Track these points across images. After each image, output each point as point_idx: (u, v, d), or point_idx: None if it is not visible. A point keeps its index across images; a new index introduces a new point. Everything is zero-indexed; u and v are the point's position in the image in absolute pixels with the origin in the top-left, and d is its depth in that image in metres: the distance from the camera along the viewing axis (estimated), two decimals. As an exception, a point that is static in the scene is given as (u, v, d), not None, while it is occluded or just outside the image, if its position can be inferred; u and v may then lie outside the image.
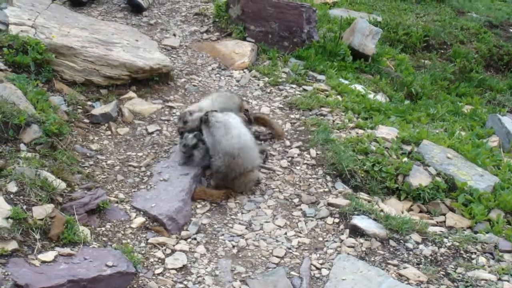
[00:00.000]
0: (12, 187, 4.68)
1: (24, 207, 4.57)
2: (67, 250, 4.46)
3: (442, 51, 11.33)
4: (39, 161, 5.13)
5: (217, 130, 5.72)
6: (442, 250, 5.10)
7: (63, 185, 5.05)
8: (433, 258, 5.00)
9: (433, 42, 11.44)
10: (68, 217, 4.72)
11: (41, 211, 4.59)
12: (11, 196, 4.62)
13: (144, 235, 5.08)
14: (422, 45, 11.27)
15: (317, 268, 4.86)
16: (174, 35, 8.72)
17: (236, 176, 5.65)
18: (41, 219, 4.54)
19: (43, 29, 6.99)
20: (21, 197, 4.66)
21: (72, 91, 6.57)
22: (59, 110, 6.07)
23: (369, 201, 5.67)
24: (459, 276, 4.79)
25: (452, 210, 5.81)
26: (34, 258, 4.28)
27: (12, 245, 4.25)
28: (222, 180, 5.69)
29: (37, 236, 4.45)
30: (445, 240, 5.22)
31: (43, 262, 4.26)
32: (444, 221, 5.66)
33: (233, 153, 5.60)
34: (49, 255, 4.33)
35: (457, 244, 5.17)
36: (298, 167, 6.09)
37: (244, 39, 8.56)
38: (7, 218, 4.37)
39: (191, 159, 5.86)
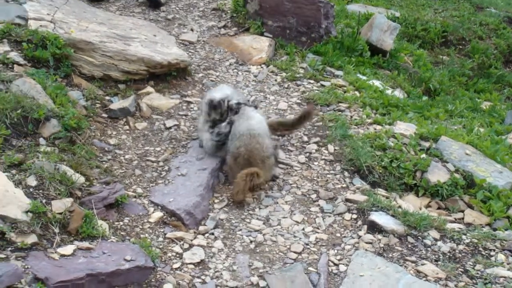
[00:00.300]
0: (32, 181, 4.71)
1: (44, 201, 4.60)
2: (85, 244, 4.49)
3: (461, 46, 11.25)
4: (58, 155, 5.17)
5: (239, 117, 5.82)
6: (461, 247, 5.08)
7: (81, 179, 5.08)
8: (451, 255, 4.98)
9: (451, 37, 11.36)
10: (87, 211, 4.74)
11: (60, 205, 4.62)
12: (31, 190, 4.66)
13: (162, 230, 5.10)
14: (440, 40, 11.20)
15: (335, 264, 4.86)
16: (192, 30, 8.72)
17: (258, 162, 5.63)
18: (60, 213, 4.57)
19: (62, 24, 7.01)
20: (41, 191, 4.69)
21: (90, 86, 6.60)
22: (78, 105, 6.10)
23: (387, 197, 5.66)
24: (477, 273, 4.76)
25: (470, 207, 5.77)
26: (53, 251, 4.30)
27: (32, 239, 4.28)
28: (244, 165, 5.61)
29: (56, 230, 4.48)
30: (463, 237, 5.19)
31: (62, 255, 4.29)
32: (463, 218, 5.63)
33: (251, 133, 5.64)
34: (68, 249, 4.35)
35: (476, 241, 5.14)
36: (316, 163, 6.08)
37: (261, 34, 8.55)
38: (26, 212, 4.40)
39: (223, 148, 5.88)
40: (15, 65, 6.11)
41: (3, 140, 4.99)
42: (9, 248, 4.15)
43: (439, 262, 4.88)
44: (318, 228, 5.30)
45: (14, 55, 6.22)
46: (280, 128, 6.41)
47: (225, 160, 5.84)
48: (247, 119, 5.77)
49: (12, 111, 5.21)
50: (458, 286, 4.62)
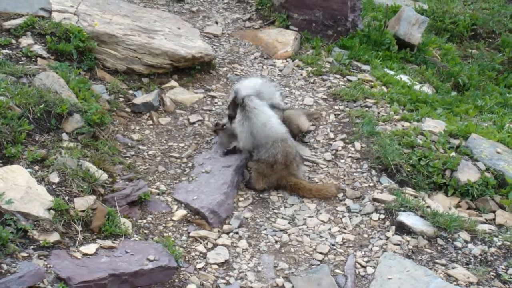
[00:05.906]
0: (55, 178, 4.66)
1: (66, 198, 4.55)
2: (108, 242, 4.43)
3: (490, 40, 10.98)
4: (81, 151, 5.10)
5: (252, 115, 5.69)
6: (492, 249, 4.93)
7: (104, 176, 5.02)
8: (483, 258, 4.84)
9: (481, 31, 11.08)
10: (110, 209, 4.69)
11: (82, 203, 4.56)
12: (53, 186, 4.60)
13: (185, 228, 5.02)
14: (469, 34, 10.93)
15: (362, 266, 4.75)
16: (216, 22, 8.61)
17: (293, 163, 5.60)
18: (83, 211, 4.52)
19: (85, 16, 6.94)
20: (63, 188, 4.63)
21: (114, 80, 6.53)
22: (101, 99, 6.03)
23: (415, 197, 5.52)
24: (510, 278, 4.62)
25: (502, 207, 5.61)
26: (76, 250, 4.26)
27: (54, 237, 4.23)
28: (281, 170, 5.57)
29: (79, 228, 4.43)
30: (495, 239, 5.05)
31: (85, 254, 4.24)
32: (494, 219, 5.47)
33: (283, 138, 5.58)
34: (90, 248, 4.30)
35: (508, 243, 4.99)
36: (342, 160, 5.96)
37: (287, 27, 8.40)
38: (49, 209, 4.36)
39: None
40: (38, 58, 6.06)
41: (26, 135, 4.93)
42: (32, 246, 4.11)
43: (470, 266, 4.75)
44: (345, 228, 5.19)
45: (38, 48, 6.16)
46: None
47: (251, 167, 5.72)
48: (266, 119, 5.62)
49: (35, 105, 5.16)
50: (490, 291, 4.49)
